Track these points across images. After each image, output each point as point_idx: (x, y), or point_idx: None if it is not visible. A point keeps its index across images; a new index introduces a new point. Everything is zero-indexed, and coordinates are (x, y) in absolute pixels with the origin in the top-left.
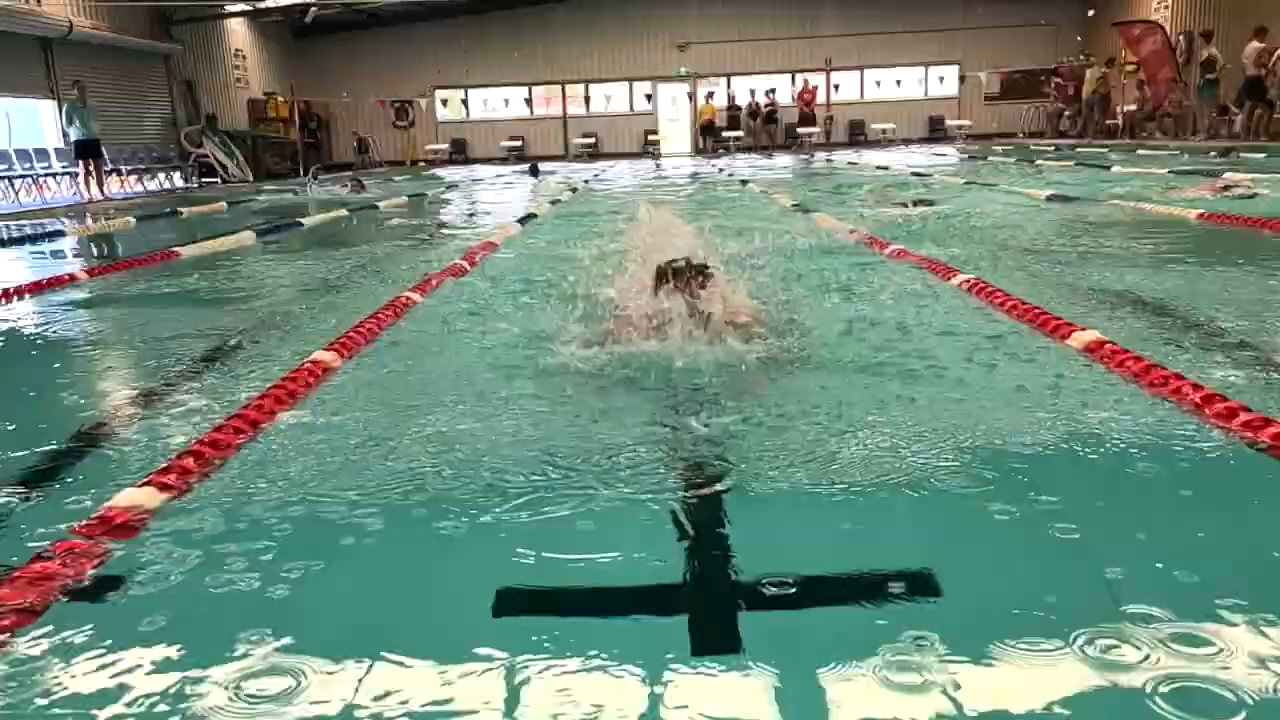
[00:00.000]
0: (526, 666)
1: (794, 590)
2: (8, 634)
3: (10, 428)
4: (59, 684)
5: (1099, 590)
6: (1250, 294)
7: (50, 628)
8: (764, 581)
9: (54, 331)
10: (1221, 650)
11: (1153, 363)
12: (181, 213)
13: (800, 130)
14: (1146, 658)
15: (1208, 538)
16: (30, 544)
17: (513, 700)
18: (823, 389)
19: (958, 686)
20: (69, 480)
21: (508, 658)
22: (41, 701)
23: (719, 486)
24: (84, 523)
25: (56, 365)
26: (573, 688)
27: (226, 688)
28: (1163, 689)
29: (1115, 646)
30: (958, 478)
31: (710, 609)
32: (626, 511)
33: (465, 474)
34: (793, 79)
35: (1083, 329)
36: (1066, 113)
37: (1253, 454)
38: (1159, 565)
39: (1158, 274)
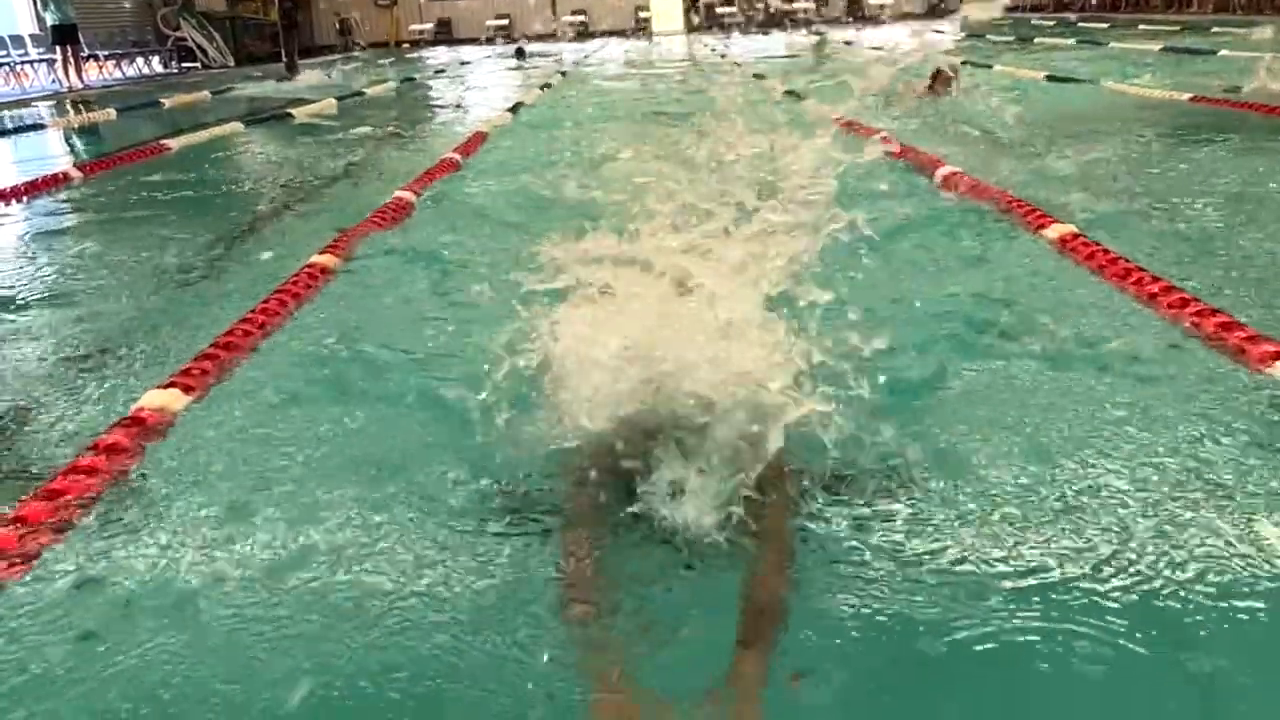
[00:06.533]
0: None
1: None
2: (65, 522)
3: (30, 333)
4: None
5: None
6: None
7: (101, 515)
8: None
9: (56, 233)
10: None
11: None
12: (164, 103)
13: (794, 4)
14: None
15: None
16: (62, 445)
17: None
18: None
19: None
20: (100, 380)
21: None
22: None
23: None
24: (119, 422)
25: (66, 268)
26: None
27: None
28: None
29: None
30: None
31: None
32: None
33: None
34: None
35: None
36: None
37: None
38: None
39: None
